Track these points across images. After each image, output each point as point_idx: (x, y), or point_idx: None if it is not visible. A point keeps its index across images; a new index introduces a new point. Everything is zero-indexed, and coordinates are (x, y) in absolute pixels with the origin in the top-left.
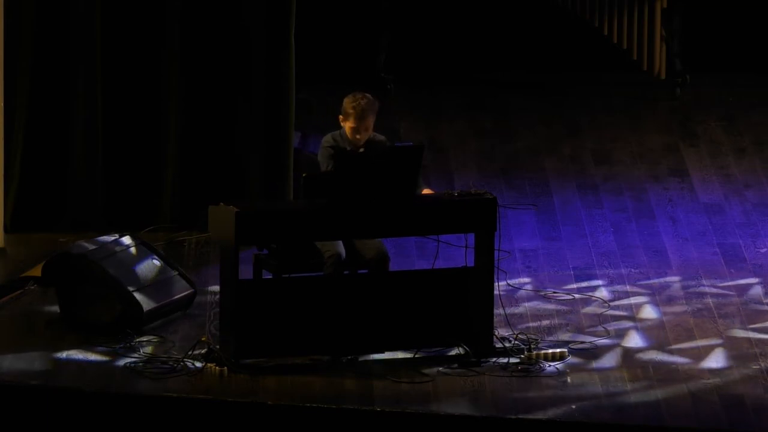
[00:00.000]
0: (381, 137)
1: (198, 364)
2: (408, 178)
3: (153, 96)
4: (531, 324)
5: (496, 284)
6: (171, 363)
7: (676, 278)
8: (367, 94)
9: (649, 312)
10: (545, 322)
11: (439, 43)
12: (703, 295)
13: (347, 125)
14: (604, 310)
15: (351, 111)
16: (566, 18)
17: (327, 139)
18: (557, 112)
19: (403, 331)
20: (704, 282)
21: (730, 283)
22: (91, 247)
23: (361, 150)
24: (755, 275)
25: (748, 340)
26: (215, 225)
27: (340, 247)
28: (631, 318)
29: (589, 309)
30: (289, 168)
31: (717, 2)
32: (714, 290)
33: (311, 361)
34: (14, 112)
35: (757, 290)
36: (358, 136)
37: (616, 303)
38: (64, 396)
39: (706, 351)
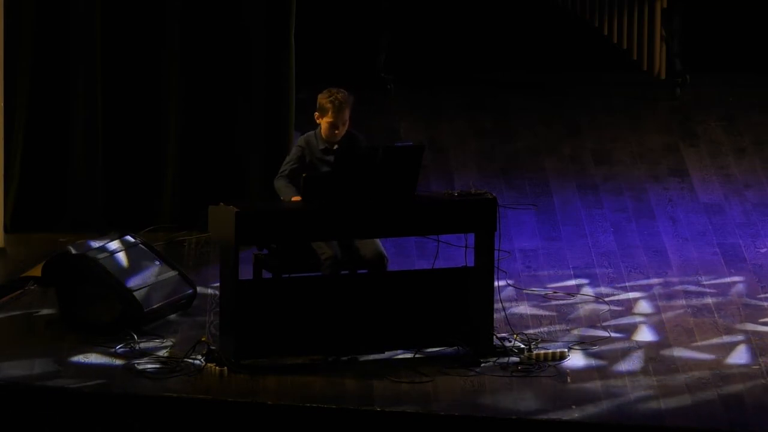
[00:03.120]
0: (356, 133)
1: (198, 364)
2: (408, 178)
3: (153, 96)
4: (531, 324)
5: (496, 284)
6: (171, 363)
7: (676, 278)
8: (342, 89)
9: (648, 312)
10: (545, 322)
11: (439, 43)
12: (703, 295)
13: (324, 121)
14: (604, 309)
15: (329, 105)
16: (566, 18)
17: (300, 139)
18: (557, 112)
19: (403, 331)
20: (704, 282)
21: (730, 283)
22: (91, 247)
23: (336, 147)
24: (756, 275)
25: (748, 340)
26: (215, 225)
27: (336, 249)
28: (631, 318)
29: (589, 309)
30: None
31: (717, 2)
32: (714, 290)
33: (311, 361)
34: (14, 112)
35: (757, 290)
36: (336, 131)
37: (616, 303)
38: (64, 396)
39: (706, 351)
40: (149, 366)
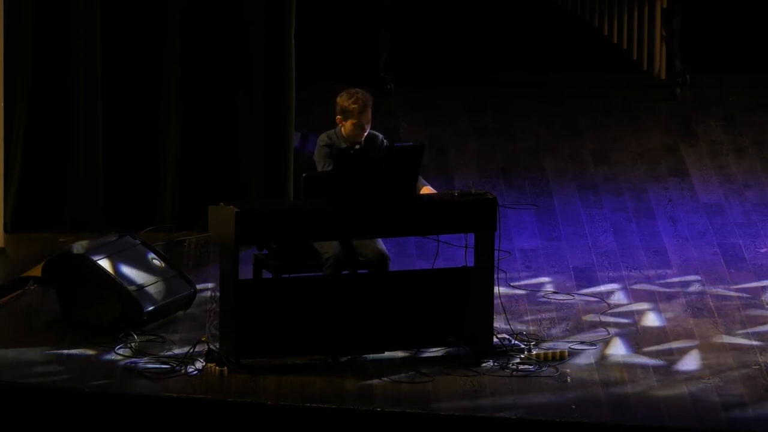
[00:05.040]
0: (376, 133)
1: (198, 364)
2: (408, 178)
3: (153, 96)
4: (531, 324)
5: (495, 284)
6: (171, 363)
7: (676, 278)
8: (360, 89)
9: (648, 312)
10: (545, 322)
11: (439, 43)
12: (703, 295)
13: (349, 123)
14: (604, 309)
15: (353, 107)
16: (566, 18)
17: (322, 137)
18: (557, 112)
19: (403, 331)
20: (704, 282)
21: (730, 283)
22: (91, 247)
23: (357, 147)
24: (756, 275)
25: (748, 339)
26: (215, 225)
27: (338, 248)
28: (631, 318)
29: (589, 309)
30: (289, 168)
31: (717, 2)
32: (714, 290)
33: (311, 361)
34: (14, 112)
35: (757, 290)
36: (363, 132)
37: (616, 303)
38: (64, 396)
39: (706, 351)
40: (149, 366)
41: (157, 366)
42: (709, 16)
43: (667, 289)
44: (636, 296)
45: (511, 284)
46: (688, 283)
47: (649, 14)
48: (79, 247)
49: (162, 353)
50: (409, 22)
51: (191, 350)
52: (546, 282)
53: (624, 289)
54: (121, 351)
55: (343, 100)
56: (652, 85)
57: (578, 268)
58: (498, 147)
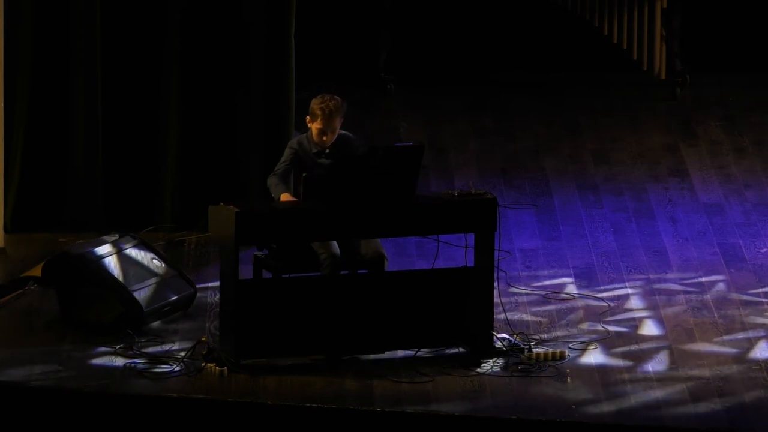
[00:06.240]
0: (349, 135)
1: (198, 364)
2: (408, 178)
3: (153, 96)
4: (531, 324)
5: (495, 284)
6: (171, 363)
7: (676, 278)
8: (336, 96)
9: (648, 312)
10: (545, 322)
11: (439, 43)
12: (703, 295)
13: (314, 126)
14: (603, 309)
15: (318, 112)
16: (566, 18)
17: (293, 141)
18: (557, 112)
19: (403, 331)
20: (704, 282)
21: (731, 284)
22: (91, 247)
23: (327, 152)
24: (755, 275)
25: (748, 339)
26: (215, 225)
27: (335, 248)
28: (631, 318)
29: (588, 309)
30: None
31: (717, 2)
32: (714, 290)
33: (311, 361)
34: (14, 112)
35: (758, 290)
36: (324, 138)
37: (616, 303)
38: (64, 396)
39: (706, 351)
40: (149, 366)
41: (157, 366)
42: (709, 16)
43: (667, 289)
44: (636, 296)
45: (511, 284)
46: (688, 283)
47: (649, 14)
48: (79, 247)
49: (162, 353)
50: (409, 22)
51: (191, 350)
52: (546, 282)
53: (624, 289)
54: (121, 351)
55: (314, 102)
56: (652, 85)
57: (578, 268)
58: (498, 147)
